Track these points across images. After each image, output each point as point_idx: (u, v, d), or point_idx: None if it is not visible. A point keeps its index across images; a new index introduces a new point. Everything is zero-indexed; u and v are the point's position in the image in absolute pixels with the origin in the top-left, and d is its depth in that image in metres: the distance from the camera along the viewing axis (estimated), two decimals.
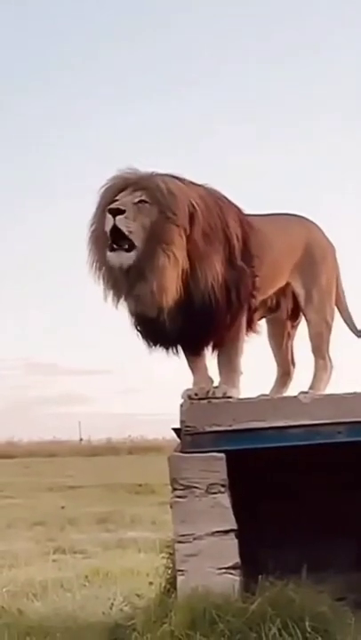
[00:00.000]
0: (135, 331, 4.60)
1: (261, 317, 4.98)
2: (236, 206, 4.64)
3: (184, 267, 4.34)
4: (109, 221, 4.29)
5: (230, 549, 4.32)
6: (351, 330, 5.18)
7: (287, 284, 4.96)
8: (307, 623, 4.05)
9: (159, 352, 4.63)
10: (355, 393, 4.48)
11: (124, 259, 4.30)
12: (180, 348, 4.62)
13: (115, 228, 4.28)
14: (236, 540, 4.33)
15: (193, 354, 4.64)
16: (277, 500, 4.94)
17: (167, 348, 4.61)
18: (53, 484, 16.19)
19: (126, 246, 4.30)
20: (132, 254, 4.29)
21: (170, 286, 4.31)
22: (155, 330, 4.50)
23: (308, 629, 4.03)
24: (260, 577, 4.26)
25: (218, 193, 4.57)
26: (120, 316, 4.56)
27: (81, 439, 31.85)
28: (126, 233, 4.27)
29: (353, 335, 5.18)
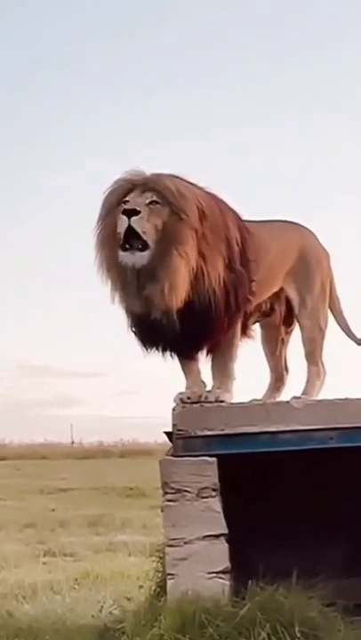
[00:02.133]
0: (131, 332, 4.60)
1: (255, 322, 4.98)
2: (234, 210, 4.66)
3: (194, 267, 4.35)
4: (124, 222, 4.30)
5: (221, 554, 4.32)
6: (351, 338, 5.19)
7: (281, 289, 4.96)
8: (296, 628, 4.05)
9: (154, 355, 4.63)
10: (347, 399, 4.48)
11: (137, 258, 4.31)
12: (173, 350, 4.62)
13: (130, 229, 4.29)
14: (226, 545, 4.33)
15: (187, 357, 4.65)
16: (268, 505, 4.94)
17: (163, 351, 4.61)
18: (44, 487, 16.16)
19: (140, 246, 4.31)
20: (146, 254, 4.30)
21: (181, 287, 4.33)
22: (152, 331, 4.50)
23: (298, 635, 4.03)
24: (250, 582, 4.26)
25: (217, 196, 4.58)
26: (115, 319, 4.58)
27: (73, 442, 31.81)
28: (141, 234, 4.28)
29: (345, 340, 5.20)
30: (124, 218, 4.30)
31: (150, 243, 4.30)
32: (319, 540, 4.96)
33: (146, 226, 4.29)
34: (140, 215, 4.28)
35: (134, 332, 4.60)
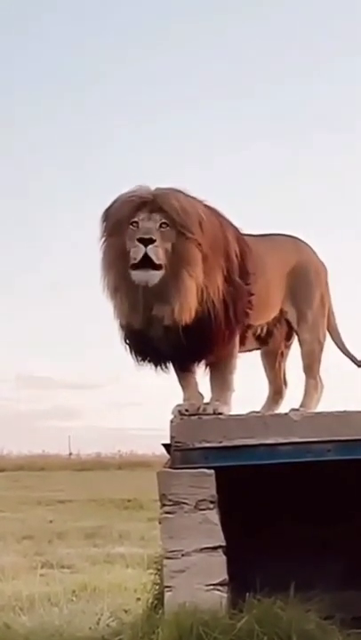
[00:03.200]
0: (124, 344, 4.60)
1: (257, 348, 5.00)
2: (233, 224, 4.66)
3: (201, 284, 4.37)
4: (140, 250, 4.29)
5: (218, 566, 4.31)
6: (344, 353, 5.19)
7: (281, 310, 4.97)
8: None
9: (147, 367, 4.63)
10: (345, 411, 4.48)
11: (150, 276, 4.30)
12: (170, 363, 4.61)
13: (145, 256, 4.29)
14: (224, 557, 4.32)
15: (185, 370, 4.65)
16: (266, 518, 4.93)
17: (157, 364, 4.61)
18: (42, 498, 16.13)
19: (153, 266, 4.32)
20: (159, 273, 4.30)
21: (191, 307, 4.35)
22: (150, 346, 4.50)
23: None
24: (247, 594, 4.25)
25: (217, 210, 4.58)
26: (114, 331, 4.57)
27: (70, 453, 31.73)
28: (155, 261, 4.29)
29: (339, 352, 5.21)
30: (141, 246, 4.29)
31: (163, 265, 4.31)
32: (317, 553, 4.95)
33: (160, 252, 4.30)
34: (155, 243, 4.29)
35: (128, 345, 4.60)
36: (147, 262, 4.30)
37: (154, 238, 4.29)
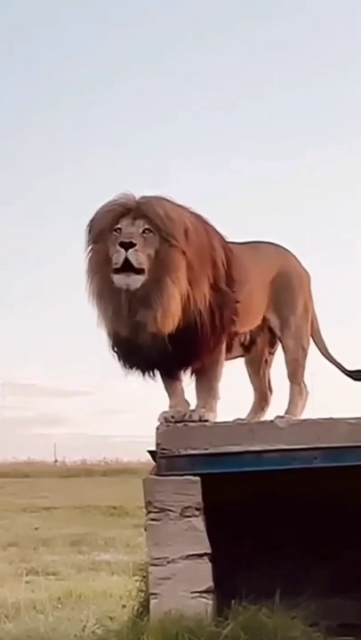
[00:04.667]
0: (112, 352, 4.58)
1: (241, 355, 4.99)
2: (218, 231, 4.65)
3: (185, 291, 4.35)
4: (121, 254, 4.28)
5: (204, 573, 4.29)
6: (328, 359, 5.18)
7: (264, 318, 4.96)
8: None
9: (135, 375, 4.61)
10: (330, 418, 4.47)
11: (132, 280, 4.29)
12: (156, 370, 4.60)
13: (126, 261, 4.28)
14: (209, 564, 4.30)
15: (172, 377, 4.63)
16: (252, 525, 4.92)
17: (144, 372, 4.59)
18: (27, 505, 16.08)
19: (135, 270, 4.30)
20: (141, 277, 4.29)
21: (175, 313, 4.33)
22: (137, 353, 4.48)
23: None
24: (233, 601, 4.23)
25: (202, 217, 4.58)
26: (100, 338, 4.55)
27: (56, 460, 31.71)
28: (137, 266, 4.27)
29: (323, 358, 5.20)
30: (122, 250, 4.28)
31: (145, 270, 4.30)
32: (303, 560, 4.94)
33: (141, 257, 4.28)
34: (135, 247, 4.28)
35: (116, 353, 4.58)
36: (128, 267, 4.28)
37: (134, 242, 4.28)
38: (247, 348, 5.00)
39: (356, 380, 5.10)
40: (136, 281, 4.30)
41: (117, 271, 4.30)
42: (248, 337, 4.95)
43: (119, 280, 4.31)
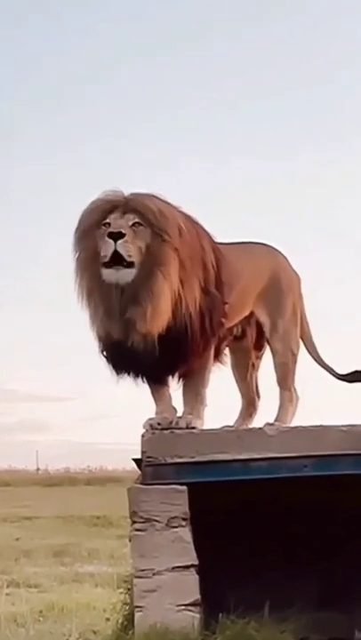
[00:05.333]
0: (101, 356, 4.57)
1: (228, 345, 4.97)
2: (207, 232, 4.65)
3: (176, 290, 4.34)
4: (110, 246, 4.28)
5: (191, 585, 4.28)
6: (319, 364, 5.18)
7: (252, 313, 4.96)
8: None
9: (125, 379, 4.60)
10: (321, 426, 4.47)
11: (121, 274, 4.29)
12: (146, 375, 4.59)
13: (115, 253, 4.27)
14: (196, 576, 4.29)
15: (159, 382, 4.62)
16: (240, 535, 4.91)
17: (134, 376, 4.58)
18: (8, 515, 16.03)
19: (125, 263, 4.29)
20: (131, 271, 4.29)
21: (165, 310, 4.32)
22: (127, 357, 4.47)
23: None
24: (220, 615, 4.23)
25: (192, 217, 4.57)
26: (84, 342, 4.55)
27: (38, 468, 31.69)
28: (126, 257, 4.27)
29: (314, 363, 5.19)
30: (110, 241, 4.28)
31: (135, 263, 4.29)
32: (293, 571, 4.93)
33: (131, 249, 4.28)
34: (125, 238, 4.27)
35: (105, 357, 4.57)
36: (117, 259, 4.27)
37: (124, 232, 4.28)
38: (238, 338, 4.99)
39: (349, 382, 5.09)
40: (126, 275, 4.29)
41: (106, 265, 4.30)
42: (240, 328, 4.95)
43: (108, 275, 4.30)
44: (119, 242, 4.27)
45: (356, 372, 5.06)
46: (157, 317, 4.31)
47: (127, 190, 4.43)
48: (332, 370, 5.16)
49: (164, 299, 4.31)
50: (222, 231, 4.78)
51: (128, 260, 4.27)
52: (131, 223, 4.32)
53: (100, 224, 4.36)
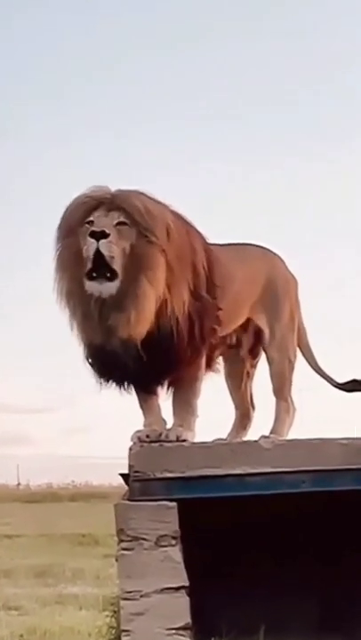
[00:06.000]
0: (87, 364, 4.56)
1: (222, 354, 4.96)
2: (199, 232, 4.63)
3: (161, 294, 4.33)
4: (92, 245, 4.25)
5: (181, 608, 4.26)
6: (317, 372, 5.17)
7: (248, 320, 4.95)
8: None
9: (110, 389, 4.59)
10: (320, 439, 4.46)
11: (104, 288, 4.26)
12: (131, 383, 4.58)
13: (98, 253, 4.25)
14: (187, 598, 4.27)
15: (147, 392, 4.60)
16: (233, 555, 4.91)
17: (120, 385, 4.57)
18: None
19: (108, 274, 4.26)
20: (114, 284, 4.26)
21: (148, 316, 4.30)
22: (110, 363, 4.45)
23: None
24: (212, 639, 4.21)
25: (183, 216, 4.55)
26: (68, 349, 4.53)
27: (19, 483, 31.69)
28: (109, 259, 4.24)
29: (312, 371, 5.19)
30: (92, 241, 4.25)
31: (119, 269, 4.26)
32: (289, 593, 4.93)
33: (115, 250, 4.25)
34: (108, 238, 4.25)
35: (90, 365, 4.55)
36: (101, 269, 4.25)
37: (107, 232, 4.24)
38: (234, 347, 4.98)
39: (348, 391, 5.09)
40: (110, 288, 4.26)
41: (90, 277, 4.27)
42: (234, 337, 4.94)
43: (91, 287, 4.27)
44: (102, 241, 4.24)
45: (354, 380, 5.06)
46: (140, 324, 4.29)
47: (115, 187, 4.41)
48: (331, 379, 5.16)
49: (149, 304, 4.29)
50: (220, 232, 4.79)
51: (111, 262, 4.24)
52: (115, 222, 4.30)
53: (84, 222, 4.34)
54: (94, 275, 4.26)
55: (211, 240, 4.72)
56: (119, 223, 4.30)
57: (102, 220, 4.29)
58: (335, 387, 5.14)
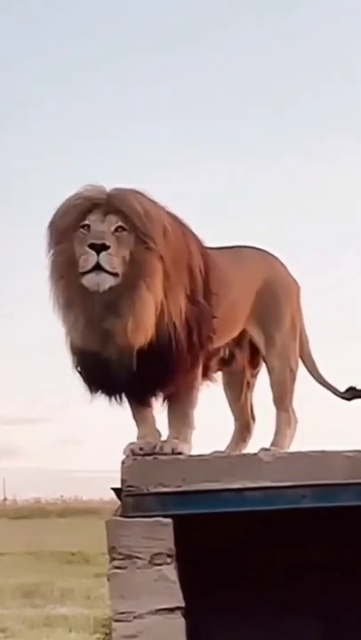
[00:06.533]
0: (76, 372, 4.55)
1: (218, 369, 4.96)
2: (195, 235, 4.63)
3: (160, 300, 4.32)
4: (91, 258, 4.23)
5: (176, 630, 4.26)
6: (319, 381, 5.17)
7: (244, 331, 4.94)
8: None
9: (101, 399, 4.58)
10: (322, 451, 4.45)
11: (102, 279, 4.23)
12: (124, 394, 4.57)
13: (97, 266, 4.23)
14: (182, 620, 4.27)
15: (140, 403, 4.60)
16: (232, 575, 4.90)
17: (111, 395, 4.56)
18: None
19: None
20: (114, 278, 4.23)
21: (148, 325, 4.29)
22: (102, 372, 4.44)
23: None
24: None
25: (179, 218, 4.55)
26: (59, 358, 4.53)
27: (5, 498, 31.75)
28: (110, 270, 4.23)
29: (314, 381, 5.19)
30: (92, 253, 4.23)
31: (119, 273, 4.26)
32: (290, 615, 4.93)
33: (115, 261, 4.24)
34: (109, 250, 4.23)
35: (80, 373, 4.54)
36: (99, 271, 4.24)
37: (108, 244, 4.24)
38: (227, 362, 4.97)
39: (348, 399, 5.09)
40: (107, 280, 4.24)
41: (86, 271, 4.26)
42: (227, 350, 4.93)
43: (89, 280, 4.25)
44: (102, 254, 4.22)
45: (352, 388, 5.05)
46: (139, 332, 4.28)
47: (111, 185, 4.40)
48: (333, 388, 5.15)
49: (148, 312, 4.29)
50: (220, 232, 4.79)
51: (112, 272, 4.24)
52: (113, 228, 4.28)
53: (78, 226, 4.32)
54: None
55: (209, 242, 4.74)
56: (117, 228, 4.28)
57: (99, 226, 4.28)
58: (338, 396, 5.14)
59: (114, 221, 4.29)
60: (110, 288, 4.24)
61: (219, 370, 5.00)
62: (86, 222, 4.30)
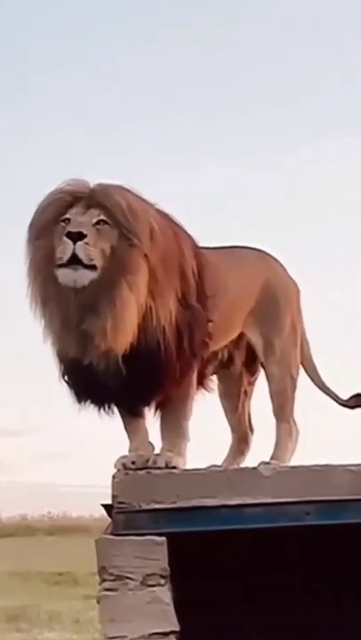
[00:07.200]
0: (63, 381, 4.55)
1: (214, 373, 4.95)
2: (189, 234, 4.62)
3: (144, 302, 4.31)
4: (67, 247, 4.23)
5: None
6: (321, 389, 5.17)
7: (242, 334, 4.94)
8: None
9: (90, 410, 4.58)
10: (326, 465, 4.45)
11: (79, 275, 4.23)
12: (113, 404, 4.57)
13: (74, 257, 4.22)
14: None
15: (132, 413, 4.59)
16: (231, 597, 4.90)
17: (100, 405, 4.56)
18: None
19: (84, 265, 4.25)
20: (92, 273, 4.22)
21: (129, 326, 4.28)
22: (88, 380, 4.43)
23: None
24: None
25: (170, 216, 4.55)
26: (46, 367, 4.52)
27: None
28: (87, 262, 4.22)
29: (317, 389, 5.19)
30: (68, 242, 4.24)
31: (98, 267, 4.25)
32: (291, 638, 4.91)
33: (93, 252, 4.24)
34: (85, 239, 4.23)
35: (67, 382, 4.54)
36: (76, 261, 4.24)
37: (85, 233, 4.23)
38: (225, 365, 4.97)
39: (351, 408, 5.09)
40: (84, 276, 4.23)
41: (62, 264, 4.25)
42: (226, 353, 4.93)
43: (64, 275, 4.24)
44: (79, 243, 4.22)
45: (357, 395, 5.05)
46: (119, 333, 4.28)
47: (94, 180, 4.40)
48: (337, 396, 5.15)
49: (129, 312, 4.28)
50: (219, 232, 4.79)
51: (87, 263, 4.23)
52: (95, 221, 4.28)
53: (59, 220, 4.33)
54: (67, 263, 4.24)
55: (209, 242, 4.75)
56: (99, 222, 4.28)
57: (79, 219, 4.28)
58: (340, 404, 5.13)
59: (95, 214, 4.29)
60: (88, 284, 4.24)
61: (215, 373, 4.99)
62: (67, 216, 4.30)
